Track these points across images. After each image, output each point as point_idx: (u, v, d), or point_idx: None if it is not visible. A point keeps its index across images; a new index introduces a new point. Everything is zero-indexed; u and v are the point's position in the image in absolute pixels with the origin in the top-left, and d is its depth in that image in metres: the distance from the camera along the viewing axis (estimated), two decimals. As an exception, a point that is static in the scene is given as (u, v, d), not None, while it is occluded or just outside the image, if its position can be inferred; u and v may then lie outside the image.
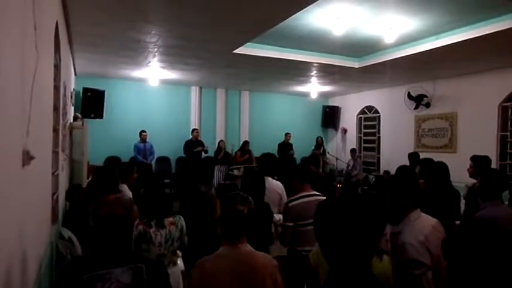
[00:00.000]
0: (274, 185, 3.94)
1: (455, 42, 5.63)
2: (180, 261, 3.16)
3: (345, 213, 1.10)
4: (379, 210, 1.13)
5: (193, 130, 9.49)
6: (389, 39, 5.80)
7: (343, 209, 1.12)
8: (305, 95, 11.08)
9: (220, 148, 9.60)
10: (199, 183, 8.39)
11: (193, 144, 9.23)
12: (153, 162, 9.29)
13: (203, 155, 9.54)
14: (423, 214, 2.07)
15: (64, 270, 2.04)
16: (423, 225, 1.97)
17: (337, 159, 10.17)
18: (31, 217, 2.07)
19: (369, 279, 1.10)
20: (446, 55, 6.33)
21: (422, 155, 6.23)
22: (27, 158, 1.76)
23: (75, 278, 1.55)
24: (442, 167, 3.58)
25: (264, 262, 1.81)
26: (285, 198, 3.80)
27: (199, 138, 9.45)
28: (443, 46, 5.81)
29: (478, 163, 4.15)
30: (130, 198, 2.84)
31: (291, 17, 4.61)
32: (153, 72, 8.21)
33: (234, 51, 6.28)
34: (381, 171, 9.52)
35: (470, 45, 5.66)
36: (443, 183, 3.46)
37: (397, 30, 5.53)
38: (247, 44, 6.06)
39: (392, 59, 6.70)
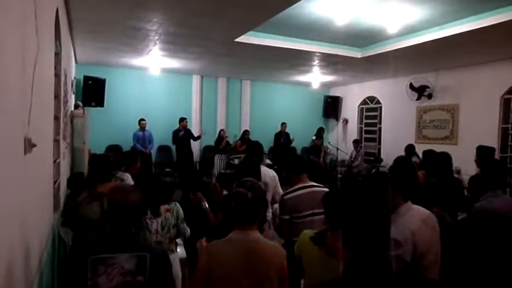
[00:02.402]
0: (267, 172, 3.95)
1: (458, 33, 5.57)
2: (179, 249, 3.19)
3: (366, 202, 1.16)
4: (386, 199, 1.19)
5: (181, 119, 9.29)
6: (392, 29, 5.75)
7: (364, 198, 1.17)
8: (307, 84, 11.03)
9: (221, 137, 9.59)
10: (201, 172, 8.42)
11: (179, 133, 9.18)
12: (152, 151, 9.31)
13: (193, 143, 9.55)
14: (414, 206, 2.05)
15: (71, 250, 2.06)
16: (412, 220, 1.95)
17: (337, 149, 10.16)
18: (33, 204, 2.08)
19: (385, 265, 1.14)
20: (450, 46, 6.28)
21: (423, 147, 6.21)
22: (29, 145, 1.76)
23: (80, 259, 1.57)
24: (446, 157, 3.59)
25: (271, 251, 1.82)
26: (276, 185, 3.82)
27: (187, 127, 9.36)
28: (446, 37, 5.76)
29: (481, 153, 4.17)
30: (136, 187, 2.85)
31: (293, 6, 4.56)
32: (154, 61, 8.17)
33: (236, 40, 6.23)
34: (382, 162, 9.52)
35: (474, 36, 5.61)
36: (445, 173, 3.47)
37: (400, 20, 5.48)
38: (249, 32, 6.01)
39: (395, 49, 6.64)
